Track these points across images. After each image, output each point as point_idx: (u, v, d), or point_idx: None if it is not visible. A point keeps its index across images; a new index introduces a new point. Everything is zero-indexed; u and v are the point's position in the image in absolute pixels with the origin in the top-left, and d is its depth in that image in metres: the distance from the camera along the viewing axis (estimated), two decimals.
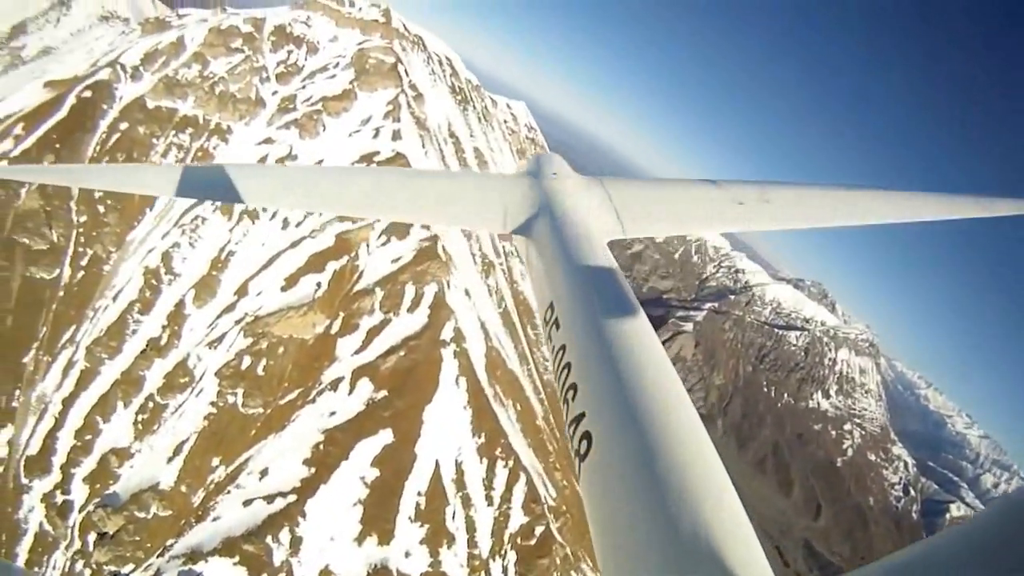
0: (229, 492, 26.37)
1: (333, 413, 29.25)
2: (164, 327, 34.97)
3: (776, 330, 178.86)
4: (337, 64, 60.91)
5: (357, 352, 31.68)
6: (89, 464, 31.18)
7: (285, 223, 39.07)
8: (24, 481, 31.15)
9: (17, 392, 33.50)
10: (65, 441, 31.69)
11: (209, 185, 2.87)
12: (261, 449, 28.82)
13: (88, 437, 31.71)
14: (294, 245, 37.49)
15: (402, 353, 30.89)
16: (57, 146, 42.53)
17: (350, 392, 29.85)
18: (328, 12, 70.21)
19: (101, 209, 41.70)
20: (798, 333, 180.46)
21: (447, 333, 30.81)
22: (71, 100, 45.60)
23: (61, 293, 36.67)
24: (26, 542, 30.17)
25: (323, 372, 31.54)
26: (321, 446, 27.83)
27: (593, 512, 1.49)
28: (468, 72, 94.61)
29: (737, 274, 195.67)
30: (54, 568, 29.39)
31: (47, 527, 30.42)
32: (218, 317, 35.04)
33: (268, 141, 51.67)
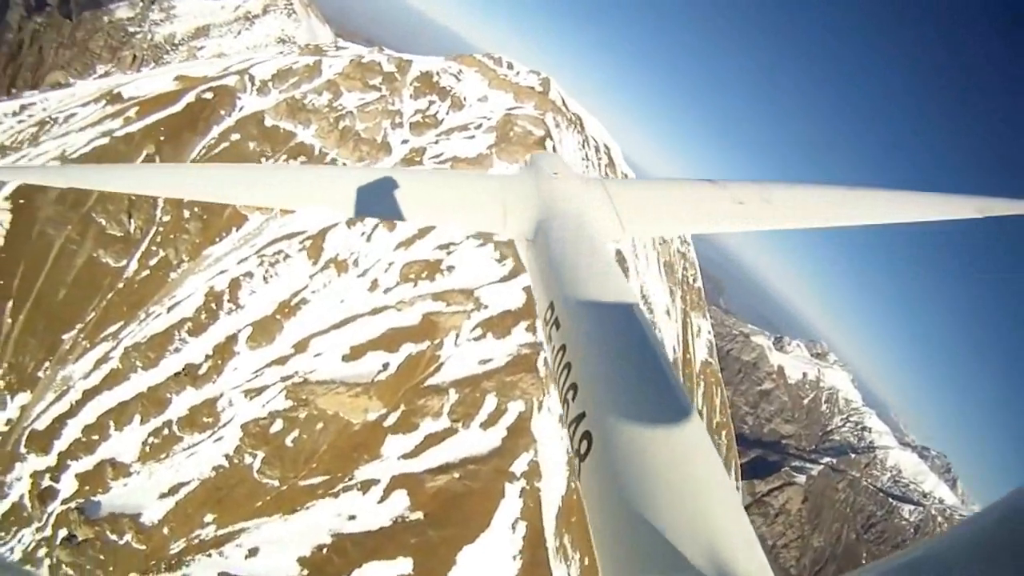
0: (210, 555, 34.94)
1: (353, 517, 36.76)
2: (208, 357, 47.55)
3: (891, 499, 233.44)
4: (479, 125, 77.16)
5: (405, 456, 39.92)
6: (86, 464, 42.86)
7: (374, 285, 52.40)
8: (22, 450, 44.15)
9: (46, 365, 48.20)
10: (72, 431, 44.11)
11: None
12: (260, 526, 37.38)
13: (95, 437, 43.67)
14: (375, 312, 49.20)
15: (457, 475, 38.33)
16: (161, 139, 61.96)
17: (381, 500, 37.42)
18: (483, 70, 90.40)
19: (186, 214, 59.32)
20: (912, 507, 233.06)
21: (519, 466, 38.20)
22: (189, 98, 66.68)
23: (121, 285, 52.30)
24: (1, 507, 42.69)
25: (359, 467, 40.01)
26: (325, 550, 35.01)
27: (593, 512, 2.27)
28: (627, 166, 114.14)
29: (863, 432, 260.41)
30: (19, 541, 41.51)
31: (26, 502, 42.62)
32: (266, 366, 46.61)
33: None
